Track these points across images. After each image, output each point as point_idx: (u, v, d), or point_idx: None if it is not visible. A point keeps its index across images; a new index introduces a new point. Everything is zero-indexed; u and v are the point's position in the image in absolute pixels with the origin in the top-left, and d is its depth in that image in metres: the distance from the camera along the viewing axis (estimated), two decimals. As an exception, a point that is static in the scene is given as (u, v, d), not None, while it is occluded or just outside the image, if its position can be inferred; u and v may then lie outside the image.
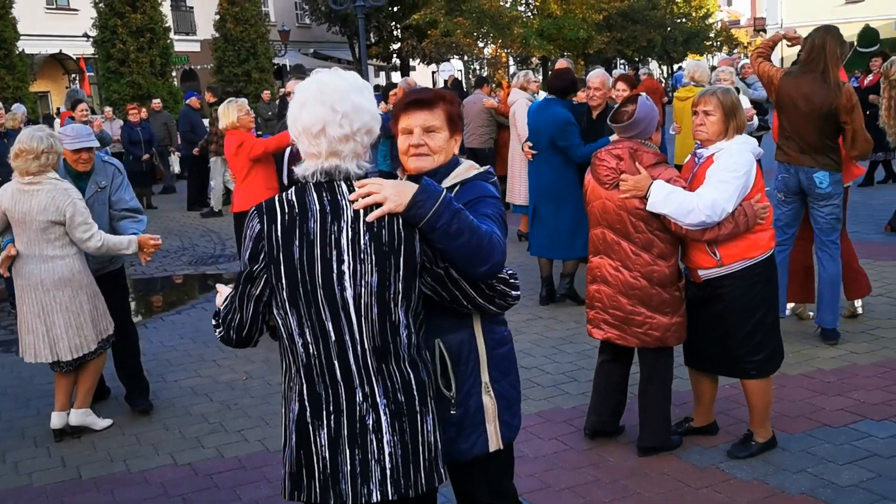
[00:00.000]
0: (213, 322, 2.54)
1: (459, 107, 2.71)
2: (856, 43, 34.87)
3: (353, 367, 2.30)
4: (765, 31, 55.61)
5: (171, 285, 9.64)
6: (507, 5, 32.83)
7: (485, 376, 2.63)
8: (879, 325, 6.09)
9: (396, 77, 42.63)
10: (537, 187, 7.12)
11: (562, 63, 9.54)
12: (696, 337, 4.20)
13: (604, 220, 4.10)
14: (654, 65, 62.06)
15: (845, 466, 4.07)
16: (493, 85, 23.16)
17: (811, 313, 6.20)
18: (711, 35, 61.28)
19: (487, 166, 2.72)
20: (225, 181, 13.48)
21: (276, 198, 2.33)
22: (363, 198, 2.24)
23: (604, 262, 4.14)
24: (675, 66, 55.66)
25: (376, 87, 12.04)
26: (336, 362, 2.30)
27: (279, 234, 2.27)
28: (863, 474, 3.98)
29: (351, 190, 2.28)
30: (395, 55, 37.04)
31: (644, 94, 4.07)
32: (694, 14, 56.73)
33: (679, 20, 54.77)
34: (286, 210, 2.28)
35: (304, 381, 2.34)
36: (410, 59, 37.05)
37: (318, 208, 2.26)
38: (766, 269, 4.04)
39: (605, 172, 4.05)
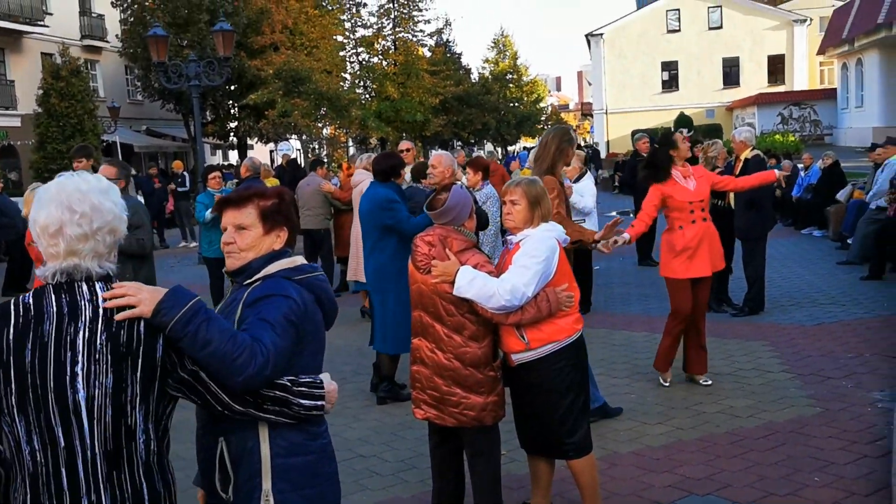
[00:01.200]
0: None
1: (282, 202, 2.74)
2: (673, 129, 37.49)
3: (81, 474, 2.21)
4: (591, 115, 58.91)
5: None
6: (346, 87, 33.31)
7: (266, 484, 2.54)
8: (701, 400, 6.36)
9: (233, 156, 42.09)
10: (371, 276, 6.90)
11: (405, 144, 9.73)
12: (520, 420, 4.29)
13: (420, 304, 4.22)
14: (489, 146, 64.31)
15: (674, 545, 4.16)
16: (334, 166, 23.18)
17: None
18: (542, 118, 64.35)
19: (310, 264, 2.74)
20: None
21: (13, 300, 2.27)
22: (116, 298, 2.23)
23: (422, 344, 4.23)
24: (516, 147, 57.84)
25: (212, 167, 11.79)
26: (63, 470, 2.21)
27: (10, 337, 2.19)
28: (691, 552, 4.08)
29: (92, 290, 2.25)
30: (232, 133, 36.62)
31: (459, 182, 4.24)
32: (526, 98, 59.52)
33: (512, 104, 57.25)
34: (20, 313, 2.22)
35: (28, 491, 2.22)
36: (248, 138, 36.71)
37: (55, 310, 2.22)
38: (575, 353, 4.17)
39: (419, 258, 4.19)
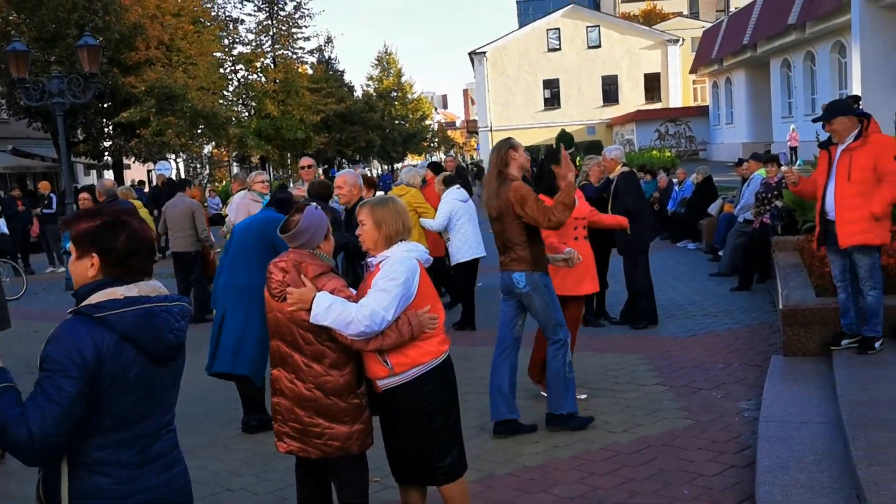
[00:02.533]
0: None
1: (100, 225, 2.56)
2: (554, 146, 38.27)
3: None
4: (477, 132, 59.56)
5: None
6: (224, 105, 32.63)
7: None
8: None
9: (109, 176, 40.55)
10: (240, 293, 6.41)
11: (305, 160, 9.58)
12: (389, 448, 4.14)
13: (277, 333, 4.02)
14: (375, 164, 64.22)
15: (547, 569, 4.09)
16: (217, 185, 22.57)
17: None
18: (429, 136, 64.69)
19: (126, 298, 2.53)
20: None
21: None
22: None
23: (281, 375, 4.03)
24: (397, 165, 57.97)
25: (83, 188, 11.31)
26: None
27: None
28: (563, 575, 4.01)
29: None
30: (106, 153, 35.27)
31: (314, 203, 4.09)
32: (411, 116, 59.73)
33: (397, 122, 57.38)
34: None
35: None
36: (124, 158, 35.43)
37: None
38: (442, 374, 4.04)
39: (273, 285, 3.98)
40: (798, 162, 26.31)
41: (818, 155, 6.83)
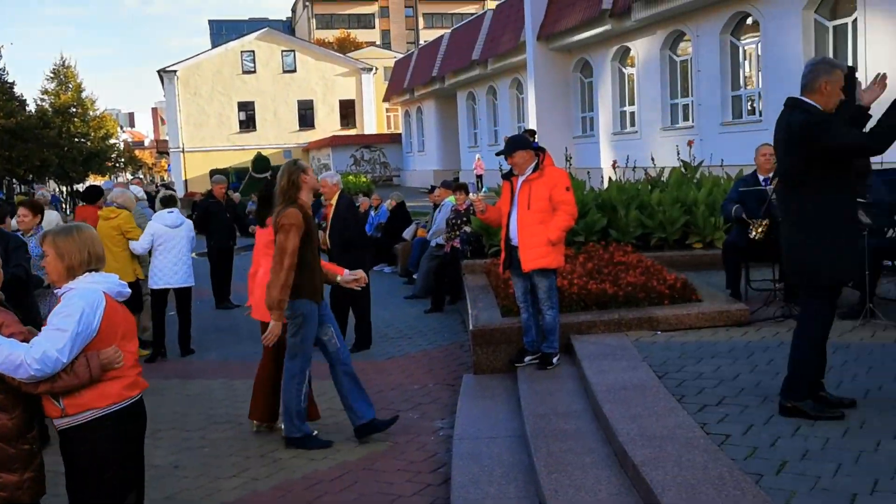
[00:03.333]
0: None
1: None
2: (251, 169, 37.77)
3: None
4: (168, 153, 57.11)
5: None
6: None
7: None
8: (277, 447, 6.22)
9: None
10: None
11: None
12: (69, 493, 3.75)
13: None
14: (52, 184, 59.51)
15: None
16: None
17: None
18: (114, 155, 61.11)
19: None
20: None
21: None
22: None
23: None
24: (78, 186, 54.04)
25: None
26: None
27: None
28: None
29: None
30: None
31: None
32: (94, 134, 55.93)
33: (77, 140, 53.51)
34: None
35: None
36: None
37: None
38: (120, 422, 3.69)
39: None
40: (483, 189, 28.10)
41: (502, 184, 7.30)
